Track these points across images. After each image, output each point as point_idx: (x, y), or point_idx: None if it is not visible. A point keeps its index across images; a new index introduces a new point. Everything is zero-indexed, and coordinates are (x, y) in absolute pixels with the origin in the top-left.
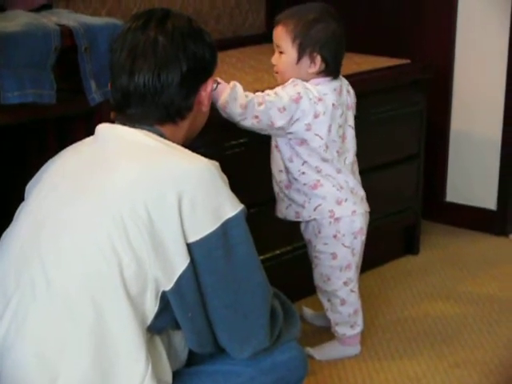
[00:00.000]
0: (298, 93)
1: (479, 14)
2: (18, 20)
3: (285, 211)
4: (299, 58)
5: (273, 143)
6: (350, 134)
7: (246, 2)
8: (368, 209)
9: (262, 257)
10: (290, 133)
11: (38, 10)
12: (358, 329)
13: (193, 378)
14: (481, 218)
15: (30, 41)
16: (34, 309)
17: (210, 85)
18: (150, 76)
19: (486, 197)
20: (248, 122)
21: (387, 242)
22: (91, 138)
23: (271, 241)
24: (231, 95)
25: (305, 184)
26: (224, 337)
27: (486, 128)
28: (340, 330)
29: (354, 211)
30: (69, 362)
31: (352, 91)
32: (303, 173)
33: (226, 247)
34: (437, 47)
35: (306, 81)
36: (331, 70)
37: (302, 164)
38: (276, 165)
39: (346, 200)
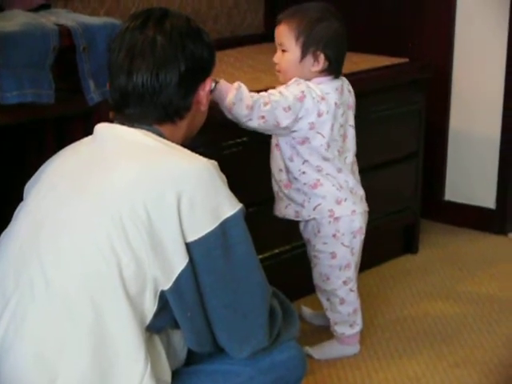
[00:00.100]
0: (302, 91)
1: (478, 14)
2: (16, 20)
3: (284, 210)
4: (303, 57)
5: (273, 142)
6: (351, 133)
7: (244, 1)
8: (367, 208)
9: (260, 256)
10: (294, 131)
11: (37, 9)
12: (358, 328)
13: (192, 378)
14: (480, 217)
15: (29, 40)
16: (32, 309)
17: (208, 84)
18: (149, 76)
19: (485, 196)
20: (254, 123)
21: (386, 242)
22: (90, 137)
23: (270, 240)
24: (237, 96)
25: (305, 183)
26: (223, 336)
27: (485, 127)
28: (339, 329)
29: (354, 211)
30: (68, 362)
31: (352, 91)
32: (303, 172)
33: (224, 246)
34: (436, 46)
35: (308, 80)
36: (333, 69)
37: (303, 163)
38: (276, 164)
39: (345, 200)
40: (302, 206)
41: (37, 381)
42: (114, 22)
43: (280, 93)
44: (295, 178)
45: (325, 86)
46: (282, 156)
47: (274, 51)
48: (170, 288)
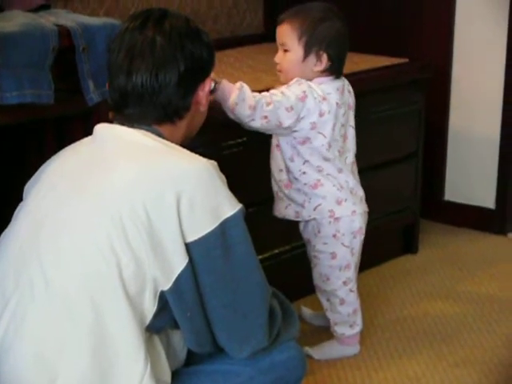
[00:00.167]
0: (304, 91)
1: (477, 14)
2: (16, 20)
3: (284, 211)
4: (305, 56)
5: (273, 142)
6: (351, 134)
7: (243, 1)
8: (367, 209)
9: (260, 256)
10: (295, 131)
11: (36, 10)
12: (357, 328)
13: (192, 378)
14: (479, 217)
15: (28, 41)
16: (32, 309)
17: (207, 85)
18: (148, 76)
19: (485, 196)
20: (257, 123)
21: (386, 242)
22: (89, 137)
23: (270, 240)
24: (239, 96)
25: (305, 184)
26: (223, 336)
27: (485, 127)
28: (339, 329)
29: (354, 211)
30: (68, 362)
31: (352, 91)
32: (304, 172)
33: (224, 247)
34: (435, 46)
35: (310, 80)
36: (335, 69)
37: (303, 163)
38: (276, 164)
39: (345, 200)
40: (303, 206)
41: (37, 381)
42: (113, 22)
43: (282, 93)
44: (295, 178)
45: (326, 86)
46: (282, 156)
47: (274, 51)
48: (170, 288)
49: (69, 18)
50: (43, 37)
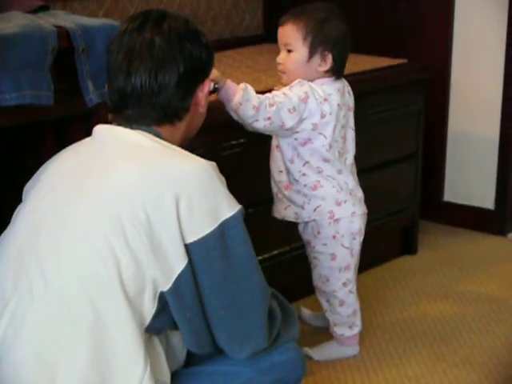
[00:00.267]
0: (306, 92)
1: (477, 15)
2: (15, 21)
3: (283, 212)
4: (310, 57)
5: (273, 143)
6: (351, 135)
7: (242, 2)
8: (366, 210)
9: (259, 257)
10: (297, 132)
11: (35, 11)
12: (357, 329)
13: (191, 379)
14: (479, 218)
15: (28, 42)
16: (31, 310)
17: (206, 85)
18: (147, 77)
19: (484, 196)
20: (260, 124)
21: (385, 242)
22: (89, 139)
23: (269, 241)
24: (244, 97)
25: (305, 185)
26: (222, 337)
27: (484, 127)
28: (338, 330)
29: (354, 212)
30: (67, 362)
31: (352, 93)
32: (304, 174)
33: (223, 248)
34: (434, 47)
35: (311, 81)
36: (337, 70)
37: (303, 165)
38: (276, 165)
39: (345, 201)
40: (302, 207)
41: (36, 381)
42: (112, 23)
43: (284, 94)
44: (295, 180)
45: (327, 87)
46: (282, 157)
47: (274, 52)
48: (170, 289)
49: (68, 19)
50: (42, 38)
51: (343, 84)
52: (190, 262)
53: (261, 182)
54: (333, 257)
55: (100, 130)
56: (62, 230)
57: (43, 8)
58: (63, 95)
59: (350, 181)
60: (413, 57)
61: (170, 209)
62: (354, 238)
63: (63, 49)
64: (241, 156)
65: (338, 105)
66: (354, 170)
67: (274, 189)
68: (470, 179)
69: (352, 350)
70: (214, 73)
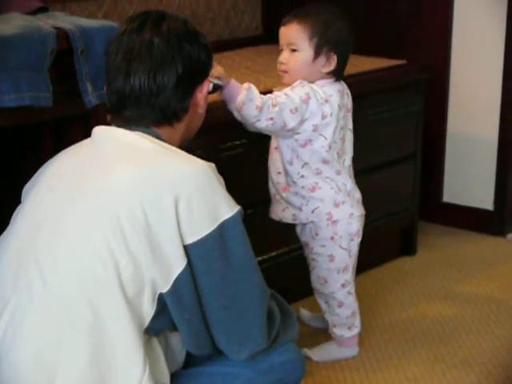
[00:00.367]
0: (307, 93)
1: (475, 16)
2: (14, 23)
3: (281, 213)
4: (315, 57)
5: (272, 144)
6: (349, 136)
7: (241, 3)
8: (364, 212)
9: (258, 258)
10: (297, 133)
11: (34, 12)
12: (356, 330)
13: (190, 380)
14: (478, 219)
15: (26, 44)
16: (31, 310)
17: (205, 86)
18: (146, 78)
19: (483, 197)
20: (262, 124)
21: (384, 243)
22: (87, 140)
23: (268, 242)
24: (247, 96)
25: (303, 187)
26: (221, 338)
27: (483, 128)
28: (338, 331)
29: (352, 214)
30: (67, 362)
31: (350, 94)
32: (302, 176)
33: (222, 249)
34: (434, 48)
35: (312, 82)
36: (339, 72)
37: (302, 167)
38: (274, 166)
39: (343, 203)
40: (300, 209)
41: (36, 381)
42: (111, 24)
43: (286, 95)
44: (294, 182)
45: (328, 89)
46: (281, 159)
47: (272, 53)
48: (169, 290)
49: (67, 21)
50: (41, 39)
51: (342, 85)
52: (189, 263)
53: (260, 183)
54: (331, 258)
55: (99, 131)
56: (60, 231)
57: (42, 9)
58: (62, 96)
59: (348, 182)
60: (412, 58)
61: (168, 210)
62: (352, 240)
63: (62, 50)
64: (240, 157)
65: (338, 106)
66: (352, 172)
67: (272, 190)
68: (469, 180)
69: (351, 350)
70: (219, 70)
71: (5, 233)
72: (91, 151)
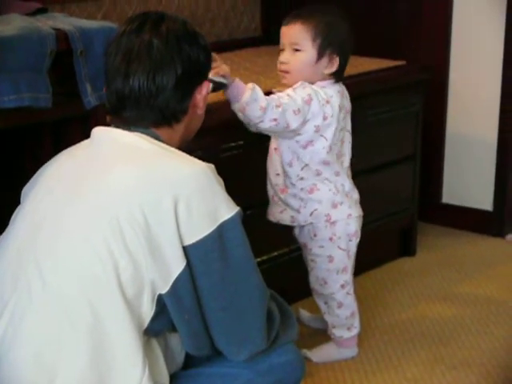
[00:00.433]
0: (309, 94)
1: (475, 17)
2: (13, 24)
3: (278, 215)
4: (319, 58)
5: (272, 146)
6: (347, 138)
7: (241, 4)
8: (362, 213)
9: (258, 259)
10: (299, 134)
11: (34, 13)
12: (355, 331)
13: (190, 381)
14: (477, 220)
15: (26, 45)
16: (30, 310)
17: (204, 88)
18: (145, 79)
19: (483, 198)
20: (266, 125)
21: (384, 244)
22: (87, 141)
23: (267, 243)
24: (252, 96)
25: (302, 189)
26: (221, 339)
27: (482, 129)
28: (337, 332)
29: (350, 214)
30: (66, 363)
31: (348, 96)
32: (302, 178)
33: (221, 250)
34: (433, 49)
35: (313, 83)
36: (339, 73)
37: (302, 169)
38: (273, 168)
39: (341, 203)
40: (298, 211)
41: (36, 381)
42: (111, 25)
43: (288, 96)
44: (292, 184)
45: (328, 90)
46: (280, 160)
47: (272, 54)
48: (168, 291)
49: (66, 22)
50: (41, 40)
51: (341, 87)
52: (189, 264)
53: (259, 184)
54: (330, 259)
55: (98, 132)
56: (60, 231)
57: (41, 10)
58: (61, 97)
59: (347, 183)
60: (412, 58)
61: (168, 211)
62: (350, 240)
63: (61, 51)
64: (239, 158)
65: (339, 107)
66: (349, 173)
67: (271, 192)
68: (468, 181)
69: (350, 351)
70: (225, 69)
71: (4, 233)
72: (90, 152)
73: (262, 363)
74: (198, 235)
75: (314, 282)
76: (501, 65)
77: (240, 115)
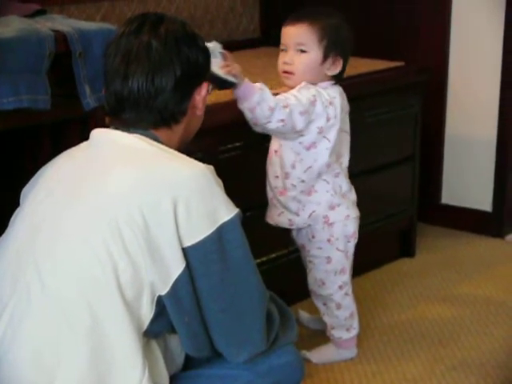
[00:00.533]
0: (314, 95)
1: (473, 17)
2: (12, 26)
3: (277, 218)
4: (324, 59)
5: (272, 148)
6: (346, 139)
7: (239, 6)
8: (359, 213)
9: (257, 260)
10: (302, 135)
11: (33, 15)
12: (354, 332)
13: (189, 382)
14: (477, 220)
15: (25, 46)
16: (29, 312)
17: (204, 89)
18: (144, 80)
19: (482, 199)
20: (273, 125)
21: (383, 245)
22: (86, 143)
23: (267, 244)
24: (261, 96)
25: (302, 191)
26: (220, 341)
27: (481, 130)
28: (336, 333)
29: (348, 216)
30: (66, 365)
31: (346, 98)
32: (303, 181)
33: (221, 251)
34: (432, 50)
35: (315, 84)
36: (340, 74)
37: (305, 171)
38: (273, 170)
39: (339, 205)
40: (297, 214)
41: (35, 382)
42: (109, 27)
43: (294, 96)
44: (293, 185)
45: (331, 91)
46: (280, 162)
47: (271, 55)
48: (167, 293)
49: (65, 24)
50: (39, 42)
51: (340, 88)
52: (188, 266)
53: (258, 186)
54: (328, 260)
55: (97, 133)
56: (59, 233)
57: (40, 12)
58: (60, 99)
59: (345, 184)
60: (410, 59)
61: (167, 213)
62: (348, 241)
63: (60, 53)
64: (238, 159)
65: (341, 107)
66: (347, 174)
67: (270, 194)
68: (467, 181)
69: (350, 352)
70: (236, 68)
71: (4, 235)
72: (89, 154)
73: (261, 364)
74: (197, 237)
75: (312, 284)
76: (500, 65)
77: (248, 115)
